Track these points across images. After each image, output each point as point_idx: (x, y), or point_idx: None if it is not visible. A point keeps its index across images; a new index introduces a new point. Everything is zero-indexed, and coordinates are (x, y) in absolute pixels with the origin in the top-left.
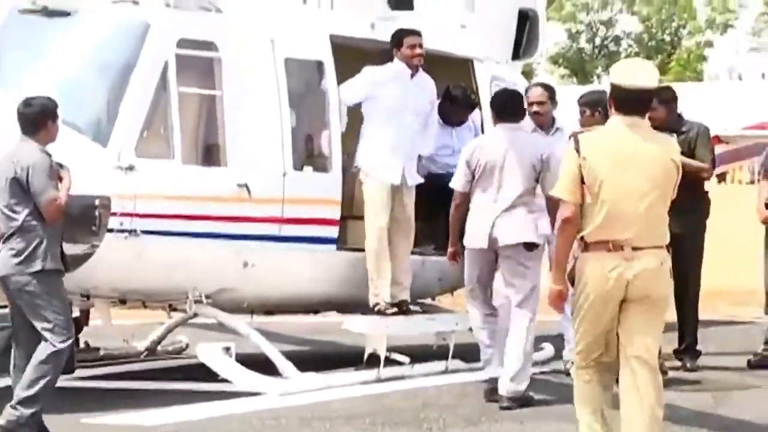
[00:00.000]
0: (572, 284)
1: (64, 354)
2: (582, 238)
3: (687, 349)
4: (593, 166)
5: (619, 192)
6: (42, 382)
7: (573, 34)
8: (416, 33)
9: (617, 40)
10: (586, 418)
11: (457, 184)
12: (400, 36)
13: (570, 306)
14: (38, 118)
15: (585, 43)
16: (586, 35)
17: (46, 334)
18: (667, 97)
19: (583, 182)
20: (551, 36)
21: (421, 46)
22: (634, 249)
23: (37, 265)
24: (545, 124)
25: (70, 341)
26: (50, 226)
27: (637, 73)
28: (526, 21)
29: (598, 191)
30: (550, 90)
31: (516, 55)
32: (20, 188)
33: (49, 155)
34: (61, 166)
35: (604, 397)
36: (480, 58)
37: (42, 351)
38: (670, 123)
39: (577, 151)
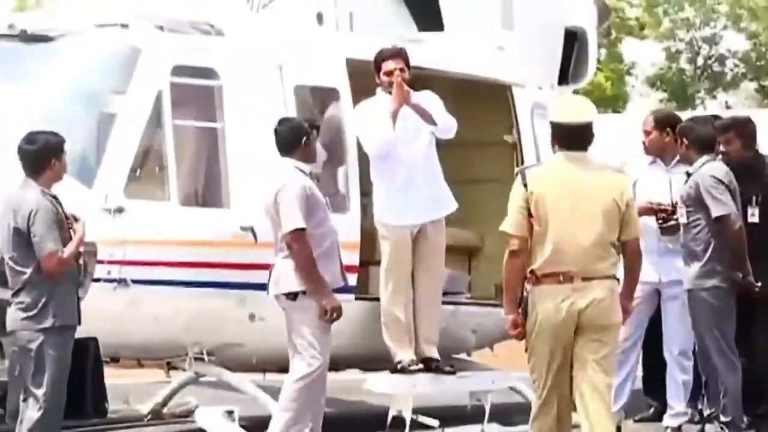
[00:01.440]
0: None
1: (51, 425)
2: (532, 271)
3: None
4: (540, 200)
5: (566, 225)
6: None
7: (672, 53)
8: (394, 55)
9: (722, 59)
10: None
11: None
12: (376, 60)
13: None
14: (41, 157)
15: (686, 64)
16: (687, 55)
17: (32, 399)
18: (739, 130)
19: (531, 216)
20: (648, 55)
21: (402, 70)
22: (584, 279)
23: (48, 322)
24: None
25: (56, 414)
26: (65, 278)
27: (573, 109)
28: (573, 41)
29: (546, 225)
30: None
31: (563, 80)
32: (22, 239)
33: (55, 199)
34: (75, 218)
35: None
36: (520, 84)
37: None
38: (744, 160)
39: (525, 186)
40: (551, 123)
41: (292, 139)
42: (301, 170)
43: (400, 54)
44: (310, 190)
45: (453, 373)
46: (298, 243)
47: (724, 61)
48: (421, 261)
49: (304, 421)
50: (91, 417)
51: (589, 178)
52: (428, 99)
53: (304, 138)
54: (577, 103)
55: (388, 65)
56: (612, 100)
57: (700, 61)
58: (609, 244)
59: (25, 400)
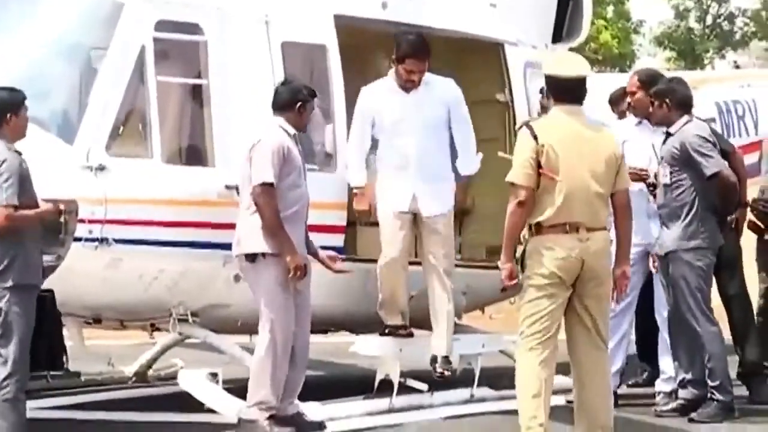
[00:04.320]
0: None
1: (26, 376)
2: (538, 223)
3: None
4: (553, 152)
5: (575, 176)
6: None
7: (681, 11)
8: (421, 56)
9: (731, 18)
10: (531, 403)
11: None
12: (403, 52)
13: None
14: None
15: (694, 22)
16: (696, 13)
17: (9, 355)
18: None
19: (540, 168)
20: (656, 14)
21: (422, 71)
22: (588, 230)
23: (11, 280)
24: None
25: (24, 371)
26: (30, 237)
27: (571, 63)
28: None
29: (559, 176)
30: None
31: (557, 38)
32: None
33: (19, 154)
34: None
35: (548, 380)
36: (512, 42)
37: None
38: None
39: (535, 138)
40: (548, 77)
41: (287, 100)
42: (286, 130)
43: (424, 52)
44: (288, 149)
45: (447, 379)
46: (265, 197)
47: (734, 20)
48: (424, 253)
49: (269, 387)
50: (43, 369)
51: (589, 131)
52: (459, 125)
53: (299, 103)
54: (574, 58)
55: (410, 65)
56: (618, 59)
57: (709, 19)
58: (607, 196)
59: None
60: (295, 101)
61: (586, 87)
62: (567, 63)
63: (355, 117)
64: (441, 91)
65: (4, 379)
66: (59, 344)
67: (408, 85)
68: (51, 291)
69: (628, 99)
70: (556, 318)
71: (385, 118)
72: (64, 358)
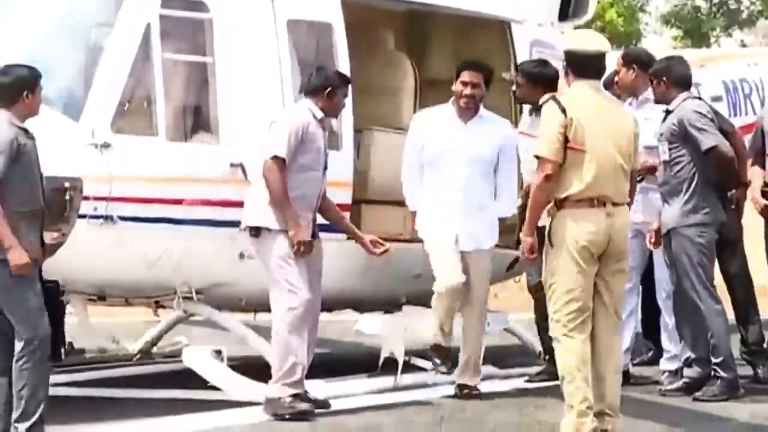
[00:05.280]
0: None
1: (42, 345)
2: (566, 197)
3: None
4: (581, 126)
5: (604, 150)
6: (28, 393)
7: None
8: (475, 69)
9: None
10: (581, 386)
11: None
12: (460, 66)
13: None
14: (13, 90)
15: (701, 1)
16: None
17: (17, 327)
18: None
19: (567, 142)
20: None
21: (475, 85)
22: (614, 205)
23: (2, 254)
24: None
25: (44, 331)
26: (26, 211)
27: (592, 38)
28: None
29: (587, 150)
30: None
31: (563, 16)
32: None
33: (23, 131)
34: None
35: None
36: (518, 20)
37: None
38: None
39: (564, 112)
40: (569, 52)
41: (318, 84)
42: (313, 113)
43: (480, 67)
44: (309, 130)
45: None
46: (274, 170)
47: None
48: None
49: (289, 362)
50: None
51: (613, 106)
52: (504, 169)
53: (329, 88)
54: (594, 34)
55: (465, 76)
56: (625, 37)
57: None
58: (629, 171)
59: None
60: (325, 86)
61: (605, 63)
62: (588, 39)
63: (408, 140)
64: (495, 130)
65: (21, 350)
66: (60, 336)
67: (465, 105)
68: (56, 282)
69: (615, 78)
70: (590, 295)
71: (435, 146)
72: (62, 351)
